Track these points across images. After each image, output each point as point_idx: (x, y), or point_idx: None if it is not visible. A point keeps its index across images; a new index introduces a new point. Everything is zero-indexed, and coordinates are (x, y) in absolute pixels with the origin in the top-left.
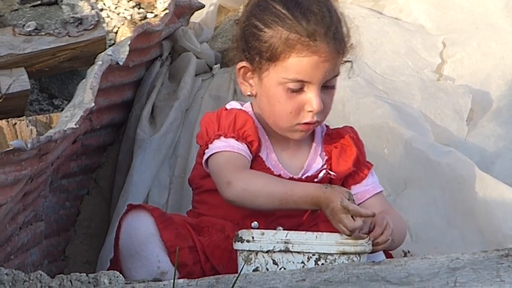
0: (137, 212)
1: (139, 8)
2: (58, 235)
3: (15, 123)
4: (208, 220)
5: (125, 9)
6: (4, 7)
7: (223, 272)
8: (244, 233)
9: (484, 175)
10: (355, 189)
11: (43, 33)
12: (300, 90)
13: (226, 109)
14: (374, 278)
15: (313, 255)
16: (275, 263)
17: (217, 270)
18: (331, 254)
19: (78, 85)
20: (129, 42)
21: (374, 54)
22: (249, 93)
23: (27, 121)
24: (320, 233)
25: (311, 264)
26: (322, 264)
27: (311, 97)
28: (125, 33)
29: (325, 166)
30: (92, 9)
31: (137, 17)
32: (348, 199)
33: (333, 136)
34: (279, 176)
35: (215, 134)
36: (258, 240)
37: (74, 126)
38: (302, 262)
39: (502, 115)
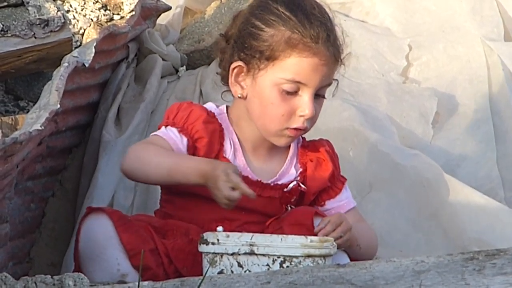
0: (96, 216)
1: (105, 10)
2: (23, 237)
3: None
4: (173, 223)
5: (91, 11)
6: None
7: (187, 275)
8: (209, 236)
9: (449, 178)
10: (329, 204)
11: (9, 35)
12: (294, 93)
13: (190, 103)
14: (339, 281)
15: (278, 257)
16: (240, 265)
17: (181, 273)
18: (296, 257)
19: (44, 86)
20: (95, 44)
21: None
22: (239, 95)
23: None
24: (285, 235)
25: (276, 266)
26: (287, 266)
27: (305, 101)
28: (91, 35)
29: (298, 178)
30: (58, 10)
31: (103, 19)
32: (233, 172)
33: (309, 149)
34: (246, 178)
35: (165, 122)
36: (223, 242)
37: (40, 128)
38: (267, 265)
39: (467, 118)
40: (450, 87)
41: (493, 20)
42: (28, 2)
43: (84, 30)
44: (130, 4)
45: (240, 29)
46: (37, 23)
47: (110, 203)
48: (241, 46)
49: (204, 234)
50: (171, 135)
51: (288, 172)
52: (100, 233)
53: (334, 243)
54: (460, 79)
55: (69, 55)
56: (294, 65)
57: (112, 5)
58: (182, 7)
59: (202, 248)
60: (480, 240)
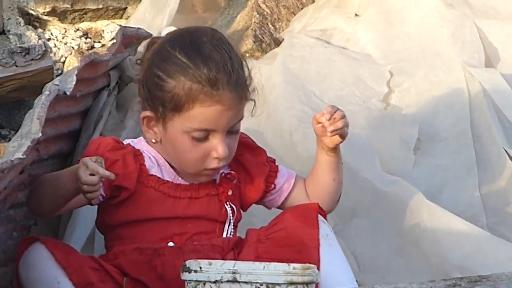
0: (30, 245)
1: (86, 38)
2: (6, 265)
3: None
4: (120, 248)
5: (72, 39)
6: None
7: (147, 282)
8: (191, 264)
9: (431, 204)
10: (278, 182)
11: None
12: (205, 138)
13: (101, 138)
14: None
15: (261, 285)
16: None
17: (140, 281)
18: (279, 284)
19: (25, 115)
20: (76, 72)
21: (322, 83)
22: (153, 141)
23: None
24: (268, 263)
25: None
26: None
27: (217, 144)
28: (72, 63)
29: (229, 170)
30: (39, 39)
31: (84, 46)
32: (95, 162)
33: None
34: (178, 185)
35: (78, 160)
36: (205, 270)
37: (22, 156)
38: None
39: (449, 145)
40: (432, 113)
41: (473, 46)
42: (9, 30)
43: (65, 58)
44: (111, 32)
45: (146, 78)
46: (18, 51)
47: (92, 232)
48: (148, 95)
49: (187, 262)
50: None
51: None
52: (35, 258)
53: (317, 270)
54: (441, 105)
55: (50, 83)
56: (198, 115)
57: (93, 33)
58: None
59: (185, 276)
60: (462, 267)
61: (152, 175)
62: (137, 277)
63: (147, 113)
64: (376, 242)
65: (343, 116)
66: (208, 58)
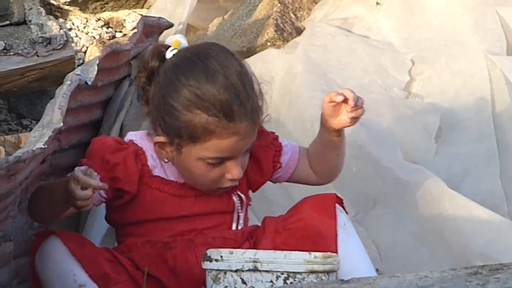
0: (45, 238)
1: (107, 28)
2: (27, 255)
3: None
4: (132, 240)
5: (93, 29)
6: None
7: (160, 276)
8: (212, 253)
9: (452, 193)
10: (284, 159)
11: (12, 53)
12: (220, 163)
13: (103, 137)
14: None
15: (282, 274)
16: (244, 282)
17: (154, 276)
18: (300, 273)
19: (47, 105)
20: (97, 62)
21: (343, 72)
22: (165, 160)
23: None
24: (289, 252)
25: (280, 283)
26: (291, 283)
27: (231, 168)
28: (94, 53)
29: None
30: (61, 28)
31: (105, 36)
32: (85, 174)
33: None
34: (183, 184)
35: (81, 161)
36: (226, 259)
37: (43, 146)
38: (271, 281)
39: (470, 133)
40: (453, 101)
41: (495, 34)
42: (30, 21)
43: (87, 48)
44: (133, 21)
45: (158, 103)
46: (40, 41)
47: None
48: (162, 121)
49: (208, 251)
50: None
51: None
52: (50, 250)
53: (338, 258)
54: (462, 93)
55: (71, 73)
56: (214, 146)
57: (115, 23)
58: (184, 24)
59: (206, 265)
60: (484, 255)
61: (155, 176)
62: (150, 272)
63: (161, 139)
64: (397, 230)
65: (363, 103)
66: (223, 89)
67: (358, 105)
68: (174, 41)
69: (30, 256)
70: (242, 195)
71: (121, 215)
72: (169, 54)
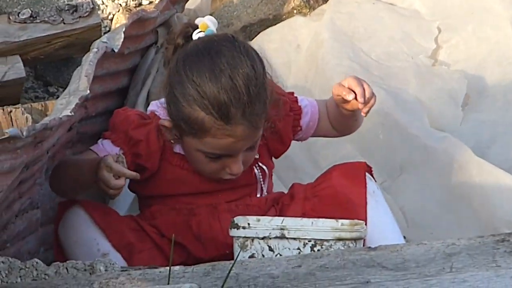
0: (69, 207)
1: None
2: (54, 223)
3: (10, 111)
4: (157, 207)
5: None
6: None
7: (185, 242)
8: (239, 220)
9: (479, 160)
10: (303, 122)
11: (38, 21)
12: (219, 157)
13: (125, 109)
14: (370, 264)
15: (309, 241)
16: (271, 249)
17: (178, 243)
18: (327, 240)
19: (73, 72)
20: (124, 29)
21: (369, 40)
22: (172, 142)
23: (22, 109)
24: (316, 219)
25: (307, 250)
26: (318, 250)
27: (231, 164)
28: (120, 20)
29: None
30: None
31: (132, 4)
32: (116, 161)
33: None
34: None
35: (104, 134)
36: (253, 226)
37: (70, 114)
38: (298, 248)
39: (497, 100)
40: (480, 69)
41: None
42: None
43: (113, 15)
44: None
45: (166, 87)
46: (66, 8)
47: None
48: (168, 104)
49: (235, 219)
50: (101, 147)
51: None
52: (74, 220)
53: (365, 226)
54: (489, 61)
55: (98, 40)
56: (210, 143)
57: None
58: None
59: (233, 232)
60: (511, 222)
61: (176, 153)
62: (175, 238)
63: (166, 123)
64: (424, 198)
65: (372, 92)
66: (224, 89)
67: (368, 97)
68: (202, 24)
69: (54, 225)
70: (264, 166)
71: (142, 188)
72: (195, 36)
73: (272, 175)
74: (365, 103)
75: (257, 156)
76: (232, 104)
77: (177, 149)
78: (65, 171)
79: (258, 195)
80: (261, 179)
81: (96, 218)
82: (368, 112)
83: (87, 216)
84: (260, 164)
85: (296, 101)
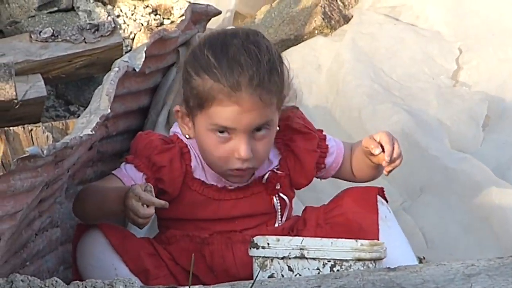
0: (87, 229)
1: (155, 15)
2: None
3: (31, 130)
4: (172, 232)
5: (141, 16)
6: (21, 14)
7: (197, 273)
8: (259, 240)
9: (500, 181)
10: (328, 161)
11: (60, 40)
12: (228, 137)
13: (149, 133)
14: (389, 285)
15: (329, 261)
16: (290, 269)
17: (187, 271)
18: (347, 261)
19: (94, 91)
20: (145, 49)
21: (391, 60)
22: (187, 136)
23: (43, 128)
24: (335, 239)
25: (326, 270)
26: (338, 270)
27: (238, 145)
28: (141, 40)
29: (277, 166)
30: (109, 15)
31: (153, 23)
32: (144, 190)
33: (281, 129)
34: (223, 188)
35: (127, 158)
36: (273, 246)
37: (90, 133)
38: (318, 269)
39: None
40: (500, 90)
41: None
42: (78, 7)
43: (135, 34)
44: (180, 8)
45: (183, 69)
46: (88, 28)
47: None
48: (182, 89)
49: (255, 238)
50: (124, 172)
51: (266, 163)
52: (92, 243)
53: (385, 246)
54: (509, 82)
55: (119, 59)
56: (216, 113)
57: (163, 10)
58: (232, 12)
59: (253, 252)
60: None
61: (196, 178)
62: (186, 267)
63: (178, 107)
64: (444, 219)
65: (400, 153)
66: (233, 60)
67: (395, 156)
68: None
69: (72, 245)
70: (285, 197)
71: (160, 211)
72: None
73: (292, 204)
74: (391, 162)
75: (278, 187)
76: (240, 72)
77: (197, 174)
78: (89, 199)
79: (276, 225)
80: (280, 209)
81: (114, 242)
82: (390, 171)
83: (104, 240)
84: (281, 194)
85: (324, 139)
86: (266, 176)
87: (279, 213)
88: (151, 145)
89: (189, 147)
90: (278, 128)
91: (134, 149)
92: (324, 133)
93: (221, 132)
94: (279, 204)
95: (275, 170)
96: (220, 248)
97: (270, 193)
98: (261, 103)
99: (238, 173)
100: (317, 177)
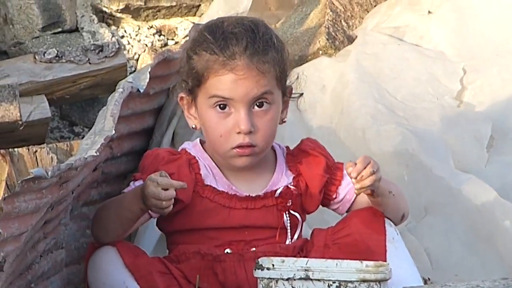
0: (100, 247)
1: (159, 35)
2: (79, 263)
3: (36, 151)
4: (183, 247)
5: (145, 36)
6: (25, 35)
7: None
8: (264, 261)
9: (504, 202)
10: (341, 191)
11: (64, 61)
12: (229, 112)
13: (156, 149)
14: None
15: (334, 282)
16: None
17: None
18: (352, 282)
19: (99, 112)
20: (149, 70)
21: (395, 81)
22: (193, 126)
23: (48, 149)
24: (340, 260)
25: None
26: None
27: (237, 117)
28: (146, 61)
29: (291, 183)
30: (113, 36)
31: (158, 44)
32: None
33: (295, 154)
34: (234, 195)
35: (135, 176)
36: (278, 267)
37: (95, 154)
38: None
39: None
40: (505, 110)
41: None
42: (82, 28)
43: (139, 55)
44: (185, 29)
45: (184, 60)
46: (92, 48)
47: None
48: (184, 77)
49: (260, 259)
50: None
51: (279, 180)
52: (104, 260)
53: (389, 267)
54: None
55: (123, 80)
56: (213, 84)
57: (167, 31)
58: None
59: (257, 273)
60: None
61: (207, 185)
62: (200, 284)
63: (181, 94)
64: (449, 239)
65: (373, 173)
66: (229, 33)
67: (363, 175)
68: None
69: (84, 263)
70: (296, 214)
71: (170, 224)
72: None
73: (303, 226)
74: (358, 179)
75: (289, 204)
76: (234, 42)
77: (208, 181)
78: (107, 210)
79: (287, 242)
80: (289, 226)
81: (126, 259)
82: (359, 189)
83: (117, 257)
84: (292, 211)
85: (341, 169)
86: (279, 190)
87: (289, 230)
88: (158, 158)
89: (197, 158)
90: (285, 121)
91: (142, 166)
92: (343, 168)
93: (222, 108)
94: (289, 221)
95: (289, 185)
96: (233, 265)
97: (281, 209)
98: (256, 71)
99: (241, 151)
100: (333, 209)
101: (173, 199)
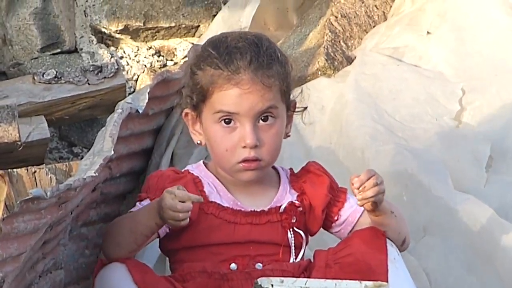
0: (109, 263)
1: (158, 56)
2: (78, 283)
3: (35, 171)
4: (188, 266)
5: (144, 57)
6: (24, 55)
7: None
8: (263, 281)
9: (503, 222)
10: (343, 213)
11: (63, 81)
12: (234, 127)
13: (159, 170)
14: None
15: None
16: None
17: None
18: None
19: (98, 133)
20: (148, 90)
21: (394, 101)
22: (198, 142)
23: (47, 169)
24: (339, 280)
25: None
26: None
27: (242, 131)
28: (145, 81)
29: (296, 200)
30: (112, 57)
31: (157, 65)
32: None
33: (298, 175)
34: (238, 211)
35: (140, 196)
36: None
37: (94, 174)
38: None
39: None
40: (504, 131)
41: None
42: (81, 49)
43: (138, 76)
44: (184, 50)
45: (188, 77)
46: (91, 69)
47: None
48: (188, 93)
49: (258, 280)
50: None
51: (283, 197)
52: (113, 276)
53: (389, 287)
54: None
55: (122, 101)
56: (218, 99)
57: (166, 51)
58: None
59: None
60: None
61: (212, 201)
62: None
63: (186, 110)
64: (448, 259)
65: (376, 184)
66: (233, 47)
67: (366, 186)
68: None
69: (92, 279)
70: (300, 231)
71: (174, 241)
72: None
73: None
74: (360, 189)
75: (293, 220)
76: (238, 56)
77: (212, 198)
78: (120, 226)
79: (291, 261)
80: (294, 244)
81: (136, 276)
82: (361, 200)
83: (127, 274)
84: (295, 228)
85: (345, 192)
86: (283, 206)
87: (293, 249)
88: (163, 177)
89: (200, 177)
90: (289, 135)
91: (146, 186)
92: (347, 192)
93: (227, 122)
94: (293, 238)
95: (293, 201)
96: (240, 284)
97: (285, 226)
98: (261, 85)
99: (247, 166)
100: (334, 233)
101: (189, 212)
